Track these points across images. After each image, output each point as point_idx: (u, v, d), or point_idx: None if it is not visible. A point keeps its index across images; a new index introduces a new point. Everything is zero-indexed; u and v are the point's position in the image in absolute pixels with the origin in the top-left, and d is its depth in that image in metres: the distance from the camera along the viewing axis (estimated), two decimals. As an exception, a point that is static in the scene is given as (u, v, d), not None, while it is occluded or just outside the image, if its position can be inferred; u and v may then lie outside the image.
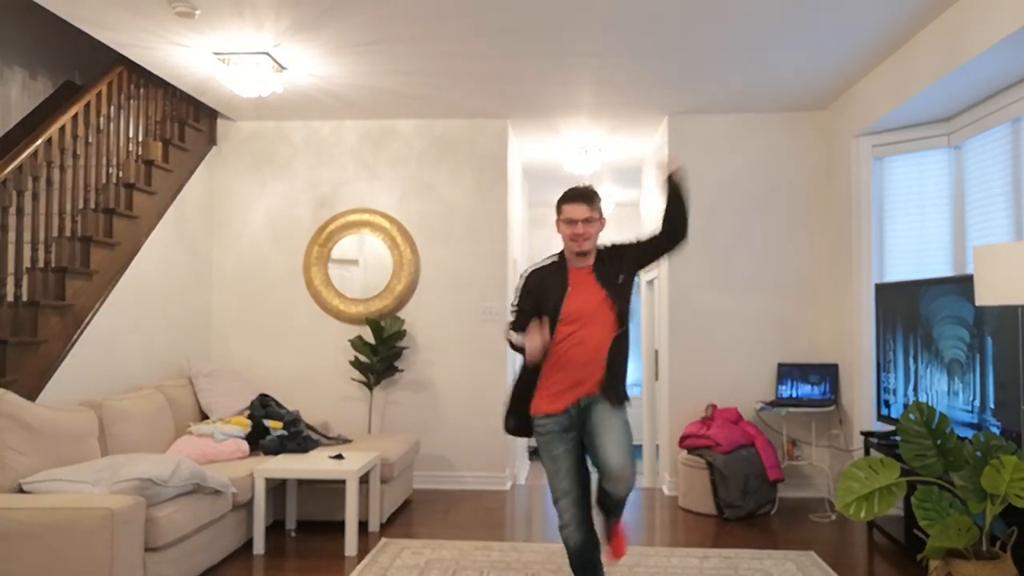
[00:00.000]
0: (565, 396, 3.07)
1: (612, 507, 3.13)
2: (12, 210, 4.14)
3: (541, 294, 3.09)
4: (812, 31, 4.28)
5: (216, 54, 4.59)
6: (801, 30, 4.26)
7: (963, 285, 3.95)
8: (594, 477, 3.12)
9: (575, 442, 3.10)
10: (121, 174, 5.01)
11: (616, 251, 3.16)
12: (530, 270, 3.19)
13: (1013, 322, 3.50)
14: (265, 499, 4.40)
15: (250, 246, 6.16)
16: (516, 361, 7.31)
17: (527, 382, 3.14)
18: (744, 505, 5.14)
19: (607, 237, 3.16)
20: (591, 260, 3.12)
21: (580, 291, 3.08)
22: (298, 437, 5.07)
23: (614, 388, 3.07)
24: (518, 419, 3.19)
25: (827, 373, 5.55)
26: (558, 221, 3.11)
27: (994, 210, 4.33)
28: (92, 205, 4.74)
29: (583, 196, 3.07)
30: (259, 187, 6.17)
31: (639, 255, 3.15)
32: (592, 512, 3.15)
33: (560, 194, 3.15)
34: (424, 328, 6.04)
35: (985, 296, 3.20)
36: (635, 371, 10.47)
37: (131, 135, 5.13)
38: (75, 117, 4.58)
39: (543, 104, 5.67)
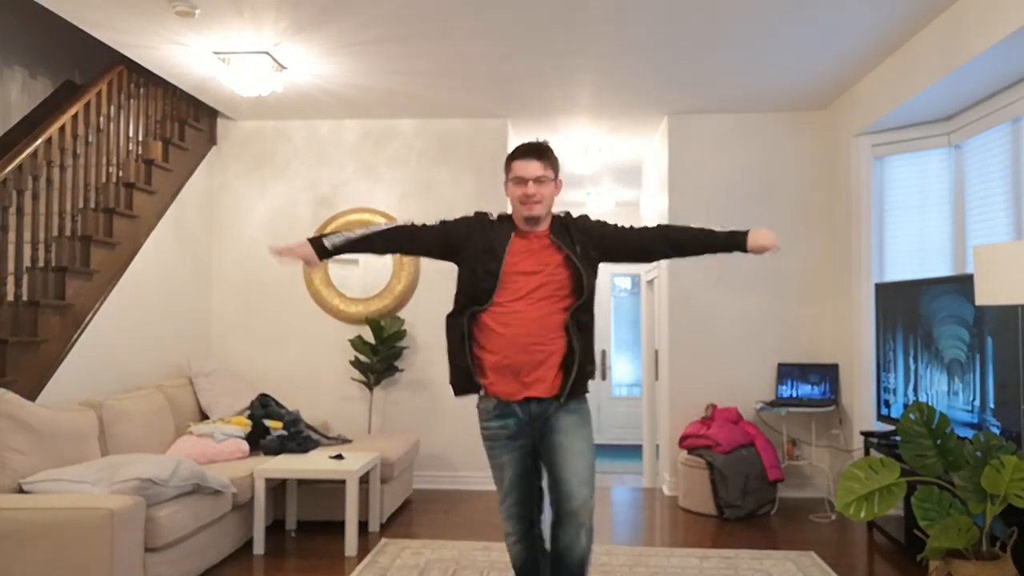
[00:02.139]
0: (505, 384, 2.68)
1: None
2: (12, 210, 4.14)
3: (483, 244, 2.69)
4: (812, 31, 4.28)
5: (216, 53, 4.59)
6: (801, 30, 4.26)
7: (963, 285, 3.95)
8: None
9: (524, 451, 2.75)
10: (121, 174, 5.01)
11: (581, 223, 2.77)
12: (480, 211, 2.82)
13: (1013, 322, 3.50)
14: (265, 499, 4.39)
15: (250, 246, 6.15)
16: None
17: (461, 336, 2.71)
18: (744, 505, 5.14)
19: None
20: (544, 226, 2.74)
21: (524, 259, 2.68)
22: (298, 437, 5.07)
23: (574, 394, 2.69)
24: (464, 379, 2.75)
25: (827, 373, 5.54)
26: (506, 181, 2.72)
27: (994, 210, 4.33)
28: (92, 205, 4.74)
29: (535, 151, 2.68)
30: (259, 187, 6.17)
31: (610, 245, 2.75)
32: (540, 526, 2.83)
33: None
34: (424, 328, 6.04)
35: (985, 296, 3.20)
36: (635, 371, 10.48)
37: (131, 135, 5.13)
38: (75, 117, 4.58)
39: (543, 104, 5.67)
